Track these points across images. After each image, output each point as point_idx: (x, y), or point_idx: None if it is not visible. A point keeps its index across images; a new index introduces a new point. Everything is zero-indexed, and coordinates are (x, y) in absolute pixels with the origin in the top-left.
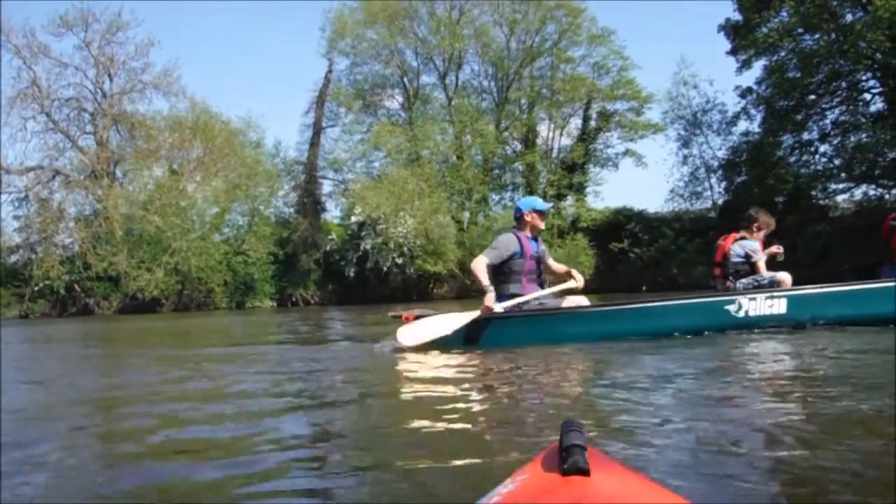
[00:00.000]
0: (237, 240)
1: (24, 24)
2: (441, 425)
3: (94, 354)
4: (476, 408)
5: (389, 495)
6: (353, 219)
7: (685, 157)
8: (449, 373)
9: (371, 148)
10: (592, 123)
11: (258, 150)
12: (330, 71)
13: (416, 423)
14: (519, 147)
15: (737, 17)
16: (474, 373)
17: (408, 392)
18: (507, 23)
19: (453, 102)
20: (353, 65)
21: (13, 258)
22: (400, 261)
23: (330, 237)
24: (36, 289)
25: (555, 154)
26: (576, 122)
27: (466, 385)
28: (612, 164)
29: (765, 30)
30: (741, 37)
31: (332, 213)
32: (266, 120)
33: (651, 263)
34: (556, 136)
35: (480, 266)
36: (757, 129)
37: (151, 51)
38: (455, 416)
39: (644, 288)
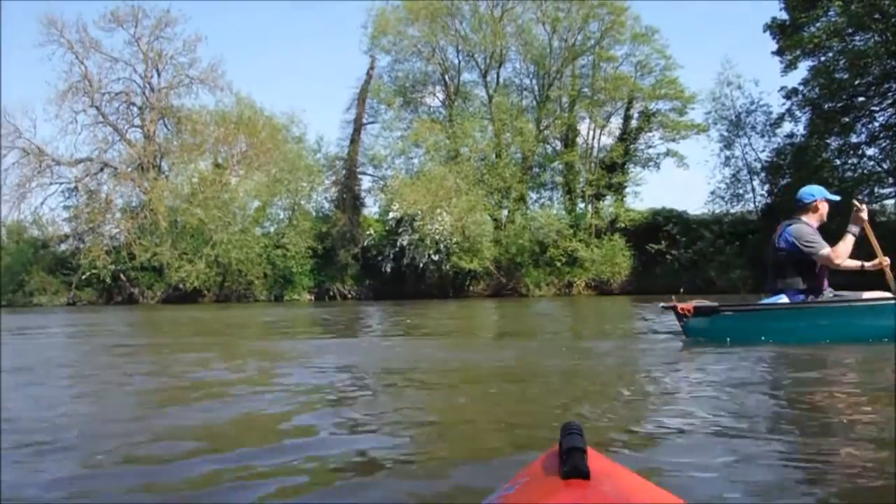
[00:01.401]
0: (277, 233)
1: (76, 20)
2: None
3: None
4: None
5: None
6: (391, 215)
7: (727, 158)
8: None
9: (410, 144)
10: (633, 123)
11: (300, 145)
12: (372, 68)
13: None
14: (559, 146)
15: (783, 16)
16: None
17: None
18: (550, 21)
19: (494, 100)
20: (394, 62)
21: (62, 247)
22: (436, 257)
23: (368, 233)
24: (83, 277)
25: (594, 153)
26: (616, 122)
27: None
28: (654, 164)
29: (812, 29)
30: (787, 36)
31: (371, 209)
32: (308, 116)
33: (689, 265)
34: (597, 135)
35: (843, 253)
36: (802, 131)
37: (198, 46)
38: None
39: (682, 290)
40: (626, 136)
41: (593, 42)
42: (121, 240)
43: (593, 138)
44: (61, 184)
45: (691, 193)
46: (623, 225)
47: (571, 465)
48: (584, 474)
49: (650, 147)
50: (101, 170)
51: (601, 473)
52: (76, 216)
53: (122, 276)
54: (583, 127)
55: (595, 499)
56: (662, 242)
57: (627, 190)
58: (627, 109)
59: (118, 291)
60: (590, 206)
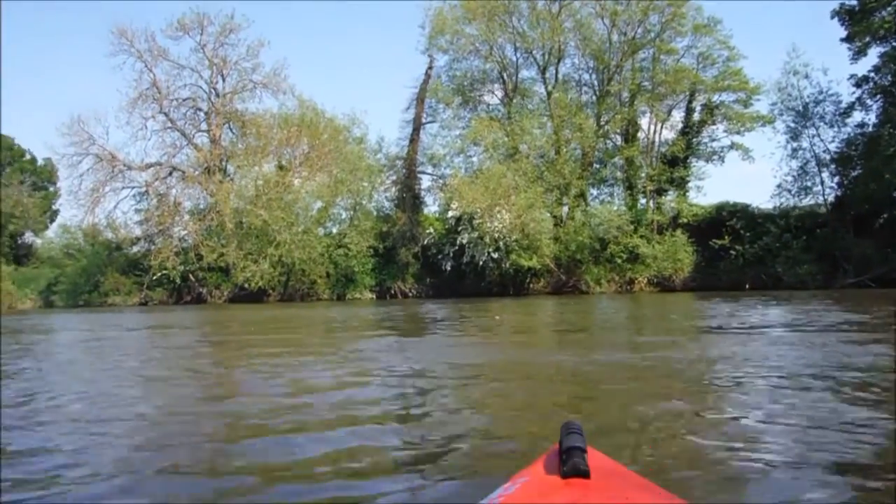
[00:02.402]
0: (339, 233)
1: (145, 29)
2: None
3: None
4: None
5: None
6: (451, 213)
7: (794, 150)
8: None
9: (469, 143)
10: (696, 116)
11: (361, 145)
12: (430, 67)
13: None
14: (619, 141)
15: (852, 1)
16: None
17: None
18: (609, 15)
19: (552, 96)
20: (452, 61)
21: (134, 249)
22: (496, 255)
23: (428, 231)
24: (154, 278)
25: (656, 148)
26: (678, 115)
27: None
28: (718, 157)
29: (882, 14)
30: (856, 22)
31: (431, 208)
32: (370, 116)
33: (754, 261)
34: (658, 129)
35: None
36: (873, 121)
37: (261, 51)
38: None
39: (747, 286)
40: (689, 130)
41: (654, 35)
42: (189, 241)
43: (654, 133)
44: (133, 188)
45: (757, 187)
46: (685, 220)
47: (571, 465)
48: (584, 473)
49: (714, 140)
50: (170, 174)
51: (601, 472)
52: (147, 219)
53: (190, 276)
54: (643, 121)
55: (595, 498)
56: (726, 237)
57: (690, 185)
58: (689, 102)
59: (187, 291)
60: (651, 202)
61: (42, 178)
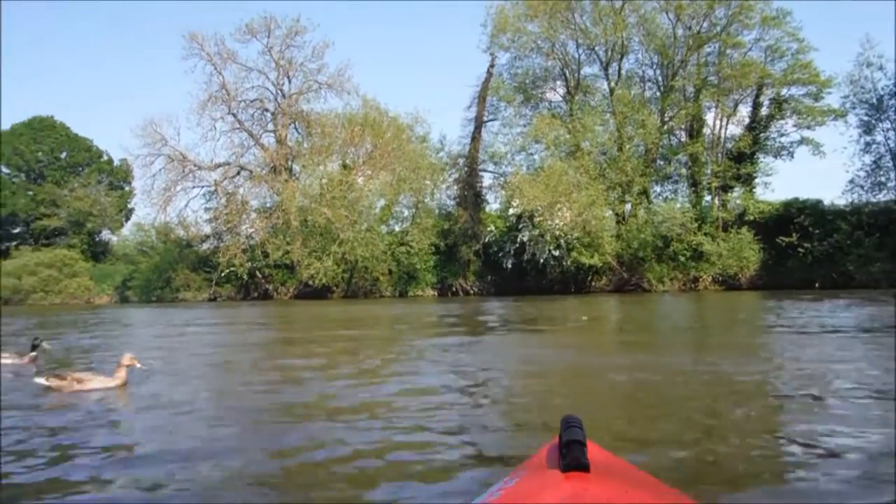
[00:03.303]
0: (402, 231)
1: (215, 33)
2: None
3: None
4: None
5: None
6: (512, 211)
7: (868, 144)
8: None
9: (530, 140)
10: (764, 111)
11: (424, 144)
12: (492, 65)
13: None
14: (683, 137)
15: None
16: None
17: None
18: (673, 9)
19: (615, 93)
20: (514, 59)
21: (204, 246)
22: (557, 253)
23: (489, 229)
24: (222, 274)
25: (721, 144)
26: (745, 110)
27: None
28: (787, 153)
29: None
30: None
31: (492, 206)
32: (432, 115)
33: (823, 259)
34: (724, 124)
35: None
36: None
37: (326, 52)
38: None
39: (817, 285)
40: (756, 125)
41: (720, 28)
42: (256, 239)
43: (720, 128)
44: (202, 187)
45: (827, 182)
46: (752, 217)
47: (572, 458)
48: (584, 467)
49: (782, 135)
50: (238, 173)
51: (601, 466)
52: (216, 217)
53: (257, 273)
54: (709, 117)
55: (595, 491)
56: (794, 235)
57: (757, 181)
58: (757, 97)
59: (254, 288)
60: (716, 199)
61: (118, 178)
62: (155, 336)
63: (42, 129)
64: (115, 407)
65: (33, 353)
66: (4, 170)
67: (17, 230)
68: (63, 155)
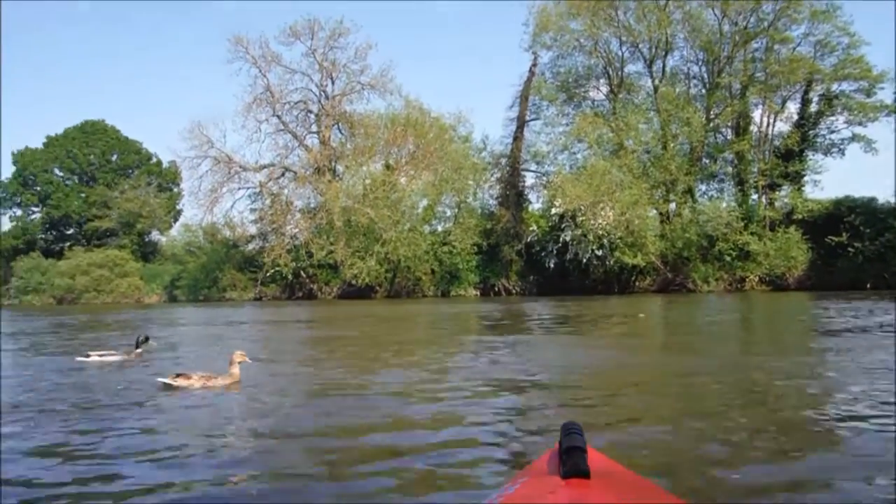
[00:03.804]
0: (444, 231)
1: (259, 37)
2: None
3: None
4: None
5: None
6: (554, 210)
7: None
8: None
9: (573, 139)
10: (813, 107)
11: (466, 144)
12: (534, 65)
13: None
14: (729, 135)
15: None
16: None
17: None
18: (720, 4)
19: (659, 90)
20: (556, 57)
21: (250, 247)
22: (599, 252)
23: (531, 228)
24: (268, 274)
25: (769, 141)
26: (793, 107)
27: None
28: (837, 150)
29: None
30: None
31: (534, 205)
32: (475, 115)
33: (875, 259)
34: (771, 121)
35: None
36: None
37: (369, 54)
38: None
39: (868, 286)
40: (805, 122)
41: (767, 24)
42: (300, 239)
43: (767, 125)
44: (248, 188)
45: (880, 180)
46: (800, 216)
47: (572, 465)
48: (584, 473)
49: (833, 132)
50: (283, 174)
51: (601, 472)
52: (261, 218)
53: (301, 272)
54: (756, 114)
55: (595, 498)
56: (844, 234)
57: (806, 179)
58: (806, 93)
59: (299, 287)
60: (763, 198)
61: (167, 180)
62: (233, 334)
63: (93, 132)
64: (251, 399)
65: (139, 350)
66: (58, 173)
67: (70, 231)
68: (114, 158)
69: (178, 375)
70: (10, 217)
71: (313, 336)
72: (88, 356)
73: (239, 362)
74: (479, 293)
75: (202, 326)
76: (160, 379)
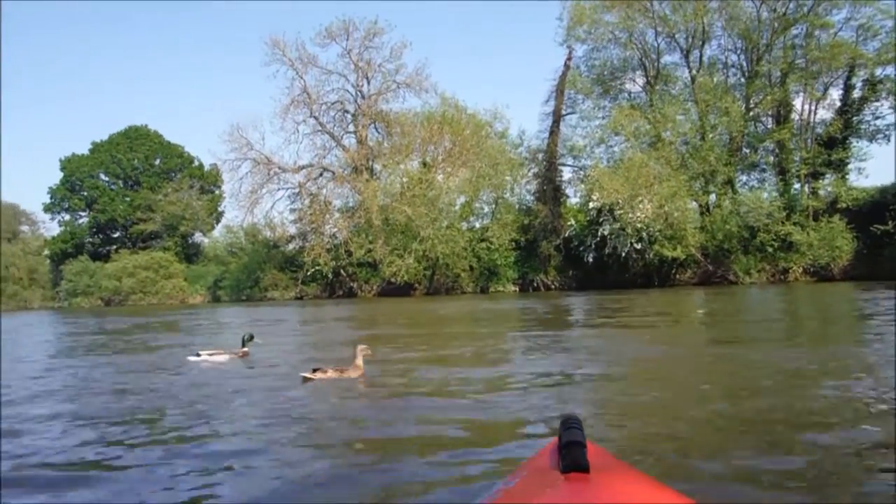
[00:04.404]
0: (482, 227)
1: (295, 39)
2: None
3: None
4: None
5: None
6: (592, 204)
7: None
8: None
9: (610, 133)
10: (856, 93)
11: (503, 140)
12: (569, 58)
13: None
14: (770, 123)
15: None
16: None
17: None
18: None
19: (697, 80)
20: (591, 50)
21: (290, 247)
22: (639, 246)
23: (569, 223)
24: (308, 273)
25: (810, 129)
26: (836, 93)
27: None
28: (882, 136)
29: None
30: None
31: (572, 200)
32: (511, 111)
33: None
34: (812, 109)
35: None
36: None
37: (404, 52)
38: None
39: None
40: (848, 109)
41: (807, 9)
42: (339, 238)
43: (809, 113)
44: (287, 189)
45: None
46: (844, 205)
47: (571, 459)
48: (583, 468)
49: (877, 118)
50: (321, 174)
51: (600, 467)
52: (300, 218)
53: (341, 271)
54: (797, 102)
55: (594, 492)
56: (891, 222)
57: (850, 166)
58: (848, 79)
59: (339, 286)
60: (805, 187)
61: (208, 183)
62: (307, 331)
63: (137, 137)
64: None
65: (245, 349)
66: (104, 178)
67: (116, 234)
68: (157, 162)
69: (315, 370)
70: (59, 222)
71: (385, 333)
72: (199, 355)
73: (364, 356)
74: (517, 289)
75: (271, 325)
76: (301, 374)
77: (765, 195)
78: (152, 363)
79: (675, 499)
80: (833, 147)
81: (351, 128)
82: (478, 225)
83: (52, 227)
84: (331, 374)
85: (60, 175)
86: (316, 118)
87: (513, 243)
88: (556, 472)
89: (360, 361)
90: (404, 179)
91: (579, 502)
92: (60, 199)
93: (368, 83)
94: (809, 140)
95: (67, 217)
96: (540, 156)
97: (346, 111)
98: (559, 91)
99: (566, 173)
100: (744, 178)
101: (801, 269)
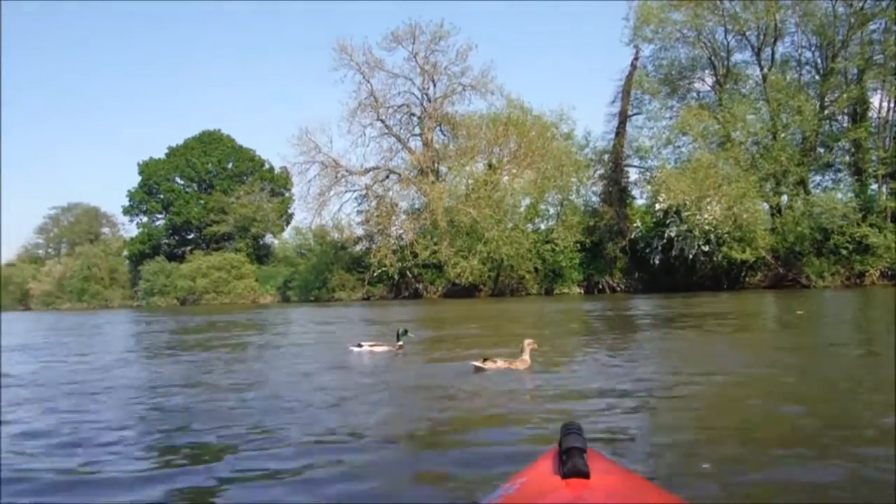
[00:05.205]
0: (547, 229)
1: (362, 43)
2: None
3: None
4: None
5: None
6: (658, 206)
7: None
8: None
9: (677, 133)
10: None
11: (568, 141)
12: (636, 58)
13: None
14: (846, 122)
15: None
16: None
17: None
18: None
19: (768, 79)
20: (658, 50)
21: (357, 248)
22: (706, 248)
23: (635, 225)
24: (374, 274)
25: (889, 128)
26: None
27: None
28: None
29: None
30: None
31: (638, 201)
32: (577, 112)
33: None
34: (891, 107)
35: None
36: None
37: (469, 55)
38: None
39: None
40: None
41: (886, 3)
42: (405, 239)
43: (887, 111)
44: (354, 191)
45: None
46: None
47: (571, 465)
48: (583, 474)
49: None
50: (387, 176)
51: (601, 473)
52: (367, 219)
53: (407, 272)
54: (874, 99)
55: (595, 498)
56: None
57: None
58: None
59: (405, 287)
60: (883, 187)
61: (278, 185)
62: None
63: (210, 141)
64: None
65: (400, 343)
66: (179, 181)
67: (191, 236)
68: (229, 165)
69: (485, 360)
70: (137, 223)
71: (485, 333)
72: (361, 346)
73: (531, 349)
74: (582, 291)
75: (365, 325)
76: (472, 363)
77: (839, 196)
78: (316, 357)
79: (677, 502)
80: None
81: (417, 130)
82: (543, 227)
83: (130, 229)
84: (500, 364)
85: (139, 179)
86: (382, 121)
87: (578, 245)
88: (556, 478)
89: (527, 356)
90: (469, 181)
91: None
92: (139, 202)
93: (434, 86)
94: (888, 139)
95: (145, 219)
96: (606, 157)
97: (413, 114)
98: (625, 91)
99: (632, 174)
100: (817, 178)
101: (878, 273)
